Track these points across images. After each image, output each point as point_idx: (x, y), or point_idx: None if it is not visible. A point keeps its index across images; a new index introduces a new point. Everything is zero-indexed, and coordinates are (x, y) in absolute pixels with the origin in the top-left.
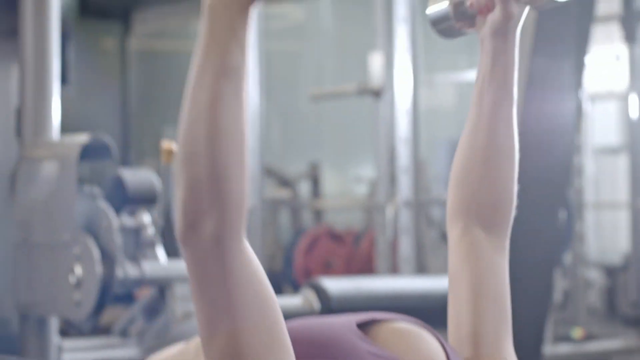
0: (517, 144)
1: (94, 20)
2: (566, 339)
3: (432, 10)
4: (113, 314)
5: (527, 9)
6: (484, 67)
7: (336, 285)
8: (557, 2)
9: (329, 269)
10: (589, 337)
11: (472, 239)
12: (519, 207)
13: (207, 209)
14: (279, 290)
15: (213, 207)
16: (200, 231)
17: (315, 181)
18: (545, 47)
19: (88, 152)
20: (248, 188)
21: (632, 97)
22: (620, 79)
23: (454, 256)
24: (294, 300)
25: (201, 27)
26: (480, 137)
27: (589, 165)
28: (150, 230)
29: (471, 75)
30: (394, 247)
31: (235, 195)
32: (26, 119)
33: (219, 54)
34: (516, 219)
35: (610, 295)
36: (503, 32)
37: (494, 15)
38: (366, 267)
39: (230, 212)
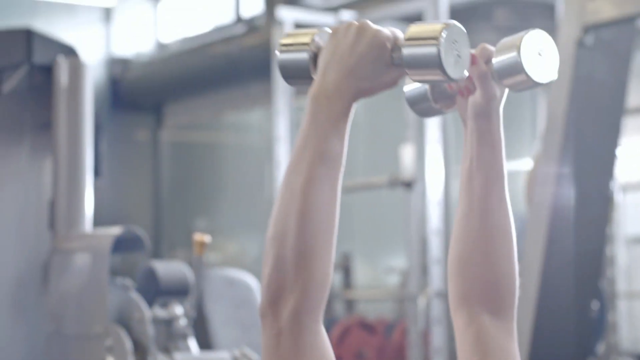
0: (512, 223)
1: (126, 112)
2: None
3: (409, 89)
4: None
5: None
6: (470, 149)
7: None
8: (538, 83)
9: (361, 359)
10: None
11: (479, 326)
12: (552, 299)
13: (290, 286)
14: None
15: (296, 286)
16: (280, 307)
17: (346, 271)
18: (576, 139)
19: (120, 244)
20: (332, 271)
21: None
22: None
23: (462, 346)
24: None
25: (304, 114)
26: (474, 220)
27: (621, 255)
28: (182, 322)
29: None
30: (426, 337)
31: (319, 276)
32: (59, 212)
33: (318, 143)
34: (549, 311)
35: None
36: (486, 113)
37: (475, 97)
38: (398, 358)
39: (312, 293)
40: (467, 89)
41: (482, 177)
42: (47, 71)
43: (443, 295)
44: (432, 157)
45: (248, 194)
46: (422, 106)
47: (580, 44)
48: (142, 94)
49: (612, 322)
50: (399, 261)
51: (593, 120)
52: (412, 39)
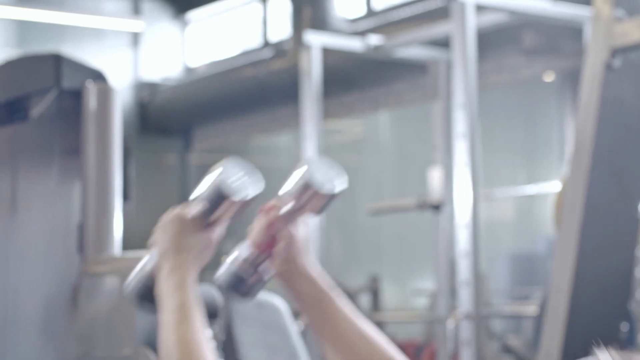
0: (365, 328)
1: (154, 136)
2: None
3: (219, 275)
4: None
5: (305, 229)
6: (298, 305)
7: None
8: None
9: None
10: None
11: None
12: (581, 320)
13: None
14: None
15: None
16: None
17: (375, 294)
18: (604, 161)
19: None
20: None
21: None
22: None
23: None
24: None
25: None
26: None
27: None
28: (211, 345)
29: (530, 189)
30: (454, 359)
31: None
32: (88, 235)
33: (175, 307)
34: (578, 333)
35: None
36: (291, 255)
37: (277, 248)
38: None
39: None
40: (267, 244)
41: (317, 314)
42: (76, 96)
43: (472, 318)
44: (461, 179)
45: None
46: (240, 286)
47: (607, 66)
48: (170, 118)
49: None
50: (427, 283)
51: (621, 142)
52: (199, 190)
